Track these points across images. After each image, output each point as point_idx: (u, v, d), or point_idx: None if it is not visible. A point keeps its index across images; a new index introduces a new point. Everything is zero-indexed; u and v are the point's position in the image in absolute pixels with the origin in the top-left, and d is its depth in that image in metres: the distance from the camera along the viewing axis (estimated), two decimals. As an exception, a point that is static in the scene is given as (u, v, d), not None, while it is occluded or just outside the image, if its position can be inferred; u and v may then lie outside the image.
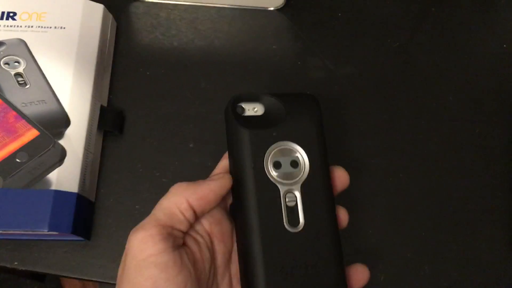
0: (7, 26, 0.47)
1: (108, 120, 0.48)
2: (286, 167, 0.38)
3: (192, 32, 0.54)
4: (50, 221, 0.42)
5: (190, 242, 0.35)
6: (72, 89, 0.46)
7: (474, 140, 0.50)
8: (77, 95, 0.46)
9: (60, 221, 0.43)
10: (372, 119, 0.51)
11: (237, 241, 0.37)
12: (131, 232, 0.34)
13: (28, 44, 0.47)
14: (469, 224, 0.47)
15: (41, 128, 0.44)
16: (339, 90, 0.51)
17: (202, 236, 0.36)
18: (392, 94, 0.52)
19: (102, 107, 0.48)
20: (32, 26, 0.47)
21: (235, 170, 0.37)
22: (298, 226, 0.37)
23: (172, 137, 0.50)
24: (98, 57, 0.48)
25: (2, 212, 0.42)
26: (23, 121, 0.44)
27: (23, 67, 0.46)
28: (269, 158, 0.38)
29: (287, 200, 0.38)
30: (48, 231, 0.42)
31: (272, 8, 0.54)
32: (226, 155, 0.39)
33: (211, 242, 0.36)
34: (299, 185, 0.38)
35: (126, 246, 0.34)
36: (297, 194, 0.38)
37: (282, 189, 0.38)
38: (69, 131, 0.45)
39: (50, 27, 0.47)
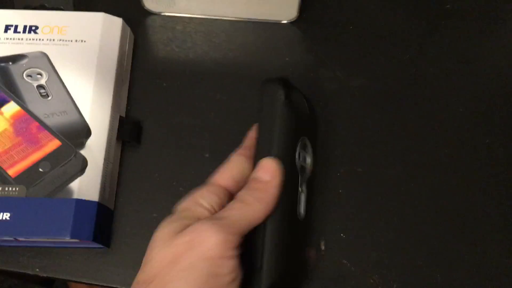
0: (30, 39, 0.49)
1: (126, 131, 0.49)
2: (302, 160, 0.40)
3: (207, 44, 0.55)
4: (72, 229, 0.43)
5: None
6: (92, 100, 0.47)
7: (485, 151, 0.50)
8: (97, 107, 0.47)
9: (82, 229, 0.44)
10: (383, 130, 0.51)
11: None
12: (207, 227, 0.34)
13: (50, 57, 0.48)
14: (480, 233, 0.48)
15: (63, 138, 0.45)
16: (350, 101, 0.52)
17: None
18: (402, 106, 0.52)
19: (120, 118, 0.49)
20: (53, 40, 0.49)
21: (269, 146, 0.38)
22: (301, 216, 0.41)
23: (188, 147, 0.51)
24: (117, 70, 0.49)
25: (25, 220, 0.43)
26: (46, 131, 0.45)
27: (45, 79, 0.47)
28: (298, 148, 0.39)
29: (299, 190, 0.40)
30: (70, 239, 0.43)
31: (285, 21, 0.56)
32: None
33: None
34: (306, 180, 0.40)
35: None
36: (304, 188, 0.40)
37: (300, 179, 0.39)
38: (89, 142, 0.46)
39: (71, 41, 0.49)
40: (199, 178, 0.49)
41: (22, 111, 0.46)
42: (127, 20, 0.53)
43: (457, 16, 0.56)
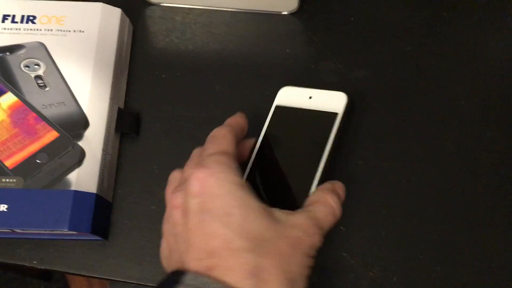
0: (27, 29, 0.48)
1: (125, 122, 0.49)
2: None
3: (207, 35, 0.54)
4: (70, 221, 0.42)
5: None
6: (91, 91, 0.46)
7: (485, 144, 0.50)
8: (95, 98, 0.46)
9: (80, 221, 0.43)
10: (384, 122, 0.51)
11: None
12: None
13: (48, 47, 0.48)
14: (481, 227, 0.47)
15: (61, 129, 0.45)
16: (351, 93, 0.51)
17: None
18: (403, 98, 0.52)
19: (119, 110, 0.49)
20: (51, 30, 0.48)
21: None
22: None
23: (187, 138, 0.51)
24: (116, 60, 0.49)
25: (23, 212, 0.43)
26: (43, 122, 0.45)
27: (43, 70, 0.47)
28: None
29: None
30: (68, 231, 0.43)
31: (286, 13, 0.55)
32: None
33: None
34: None
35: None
36: None
37: None
38: (87, 133, 0.45)
39: (69, 31, 0.48)
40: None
41: (20, 102, 0.45)
42: (126, 11, 0.52)
43: (460, 8, 0.55)
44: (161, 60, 0.53)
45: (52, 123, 0.45)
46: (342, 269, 0.46)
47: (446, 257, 0.46)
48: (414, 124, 0.51)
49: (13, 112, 0.45)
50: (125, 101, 0.51)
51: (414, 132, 0.50)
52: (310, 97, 0.48)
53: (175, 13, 0.55)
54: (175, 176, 0.40)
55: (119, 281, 0.47)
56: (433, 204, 0.48)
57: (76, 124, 0.45)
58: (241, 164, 0.42)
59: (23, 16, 0.48)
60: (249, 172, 0.45)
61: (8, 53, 0.47)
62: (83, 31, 0.48)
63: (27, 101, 0.45)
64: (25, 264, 0.46)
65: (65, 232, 0.43)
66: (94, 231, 0.44)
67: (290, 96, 0.48)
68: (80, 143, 0.45)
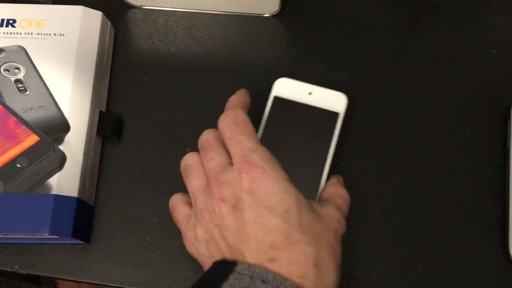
0: (7, 33, 0.48)
1: (107, 126, 0.49)
2: None
3: (189, 38, 0.54)
4: (50, 225, 0.42)
5: None
6: (71, 95, 0.46)
7: (465, 143, 0.50)
8: (76, 101, 0.46)
9: (61, 225, 0.43)
10: (365, 123, 0.51)
11: None
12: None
13: (28, 51, 0.47)
14: (461, 226, 0.48)
15: (41, 133, 0.45)
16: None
17: None
18: (384, 99, 0.52)
19: (100, 113, 0.49)
20: (31, 33, 0.48)
21: None
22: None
23: (170, 141, 0.50)
24: (97, 63, 0.48)
25: (3, 216, 0.42)
26: (23, 127, 0.45)
27: (23, 74, 0.46)
28: None
29: None
30: (48, 235, 0.42)
31: (267, 15, 0.55)
32: None
33: None
34: None
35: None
36: None
37: None
38: (68, 137, 0.45)
39: (50, 34, 0.48)
40: (181, 172, 0.49)
41: (0, 106, 0.45)
42: (108, 14, 0.52)
43: (439, 9, 0.55)
44: (143, 63, 0.53)
45: (33, 127, 0.45)
46: (324, 270, 0.46)
47: (427, 256, 0.47)
48: (395, 124, 0.51)
49: None
50: (107, 104, 0.51)
51: (395, 132, 0.51)
52: (310, 93, 0.48)
53: (157, 16, 0.55)
54: (195, 160, 0.41)
55: (102, 284, 0.47)
56: (414, 203, 0.48)
57: (56, 128, 0.45)
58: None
59: (2, 20, 0.48)
60: None
61: None
62: (63, 35, 0.48)
63: (7, 105, 0.45)
64: (6, 268, 0.46)
65: (46, 237, 0.43)
66: (75, 235, 0.44)
67: (288, 89, 0.49)
68: (61, 147, 0.45)
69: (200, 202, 0.38)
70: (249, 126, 0.40)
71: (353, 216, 0.47)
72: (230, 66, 0.53)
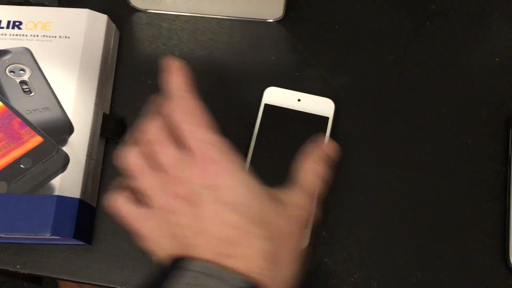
0: (13, 35, 0.48)
1: (110, 128, 0.49)
2: None
3: (192, 42, 0.55)
4: (52, 226, 0.42)
5: None
6: (75, 97, 0.46)
7: (466, 151, 0.50)
8: (80, 103, 0.46)
9: (63, 226, 0.43)
10: (367, 129, 0.51)
11: None
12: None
13: (33, 53, 0.48)
14: (461, 233, 0.48)
15: (45, 135, 0.45)
16: (334, 100, 0.52)
17: None
18: (386, 105, 0.52)
19: (104, 115, 0.49)
20: (37, 35, 0.48)
21: None
22: None
23: (172, 144, 0.51)
24: (101, 66, 0.49)
25: (6, 216, 0.43)
26: (28, 128, 0.45)
27: (28, 75, 0.47)
28: None
29: None
30: (50, 236, 0.42)
31: (271, 20, 0.55)
32: None
33: None
34: None
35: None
36: None
37: None
38: (72, 138, 0.45)
39: (55, 37, 0.48)
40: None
41: (5, 107, 0.45)
42: (113, 17, 0.52)
43: (442, 17, 0.56)
44: (147, 66, 0.54)
45: (37, 128, 0.45)
46: (323, 275, 0.46)
47: (426, 263, 0.47)
48: (396, 131, 0.51)
49: None
50: (111, 107, 0.51)
51: (396, 139, 0.51)
52: (299, 100, 0.49)
53: (161, 20, 0.55)
54: (141, 156, 0.38)
55: (103, 285, 0.47)
56: (414, 210, 0.48)
57: (60, 129, 0.45)
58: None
59: (9, 22, 0.49)
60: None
61: None
62: (68, 37, 0.48)
63: (11, 106, 0.45)
64: (8, 268, 0.46)
65: (48, 237, 0.43)
66: (77, 236, 0.44)
67: (278, 96, 0.50)
68: (65, 148, 0.45)
69: (156, 200, 0.37)
70: (202, 115, 0.38)
71: (353, 222, 0.48)
72: (233, 71, 0.54)
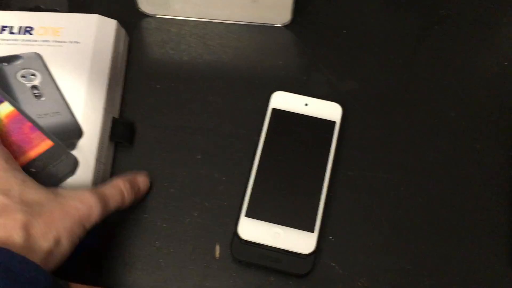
0: (25, 40, 0.49)
1: (119, 132, 0.49)
2: None
3: (201, 47, 0.55)
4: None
5: None
6: (85, 101, 0.47)
7: (475, 156, 0.50)
8: (90, 107, 0.47)
9: None
10: (374, 134, 0.51)
11: None
12: None
13: (44, 58, 0.48)
14: (469, 238, 0.47)
15: (55, 138, 0.45)
16: (341, 104, 0.52)
17: None
18: (393, 110, 0.52)
19: (113, 119, 0.49)
20: (48, 41, 0.49)
21: None
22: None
23: (181, 148, 0.51)
24: (111, 71, 0.49)
25: None
26: (38, 132, 0.45)
27: (39, 80, 0.47)
28: None
29: None
30: None
31: (279, 25, 0.55)
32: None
33: None
34: None
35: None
36: None
37: None
38: (81, 142, 0.46)
39: (65, 42, 0.49)
40: (191, 179, 0.50)
41: (16, 111, 0.46)
42: (122, 22, 0.53)
43: (450, 22, 0.55)
44: (156, 71, 0.54)
45: (47, 132, 0.45)
46: (330, 279, 0.46)
47: (434, 268, 0.46)
48: (404, 135, 0.51)
49: (10, 121, 0.46)
50: (120, 111, 0.52)
51: (403, 143, 0.51)
52: (306, 104, 0.49)
53: (170, 25, 0.56)
54: None
55: (112, 288, 0.47)
56: (421, 215, 0.48)
57: (70, 133, 0.46)
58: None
59: (20, 27, 0.49)
60: (255, 176, 0.47)
61: (5, 64, 0.47)
62: (78, 42, 0.49)
63: (23, 111, 0.46)
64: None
65: None
66: (87, 239, 0.44)
67: (285, 101, 0.50)
68: (74, 152, 0.45)
69: None
70: None
71: (360, 226, 0.48)
72: (241, 75, 0.54)
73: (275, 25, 0.55)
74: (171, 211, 0.49)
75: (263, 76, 0.54)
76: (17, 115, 0.46)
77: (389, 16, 0.56)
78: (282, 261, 0.45)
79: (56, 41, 0.49)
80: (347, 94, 0.53)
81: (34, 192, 0.39)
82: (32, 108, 0.46)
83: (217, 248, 0.47)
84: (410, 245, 0.47)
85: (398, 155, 0.50)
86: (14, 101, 0.46)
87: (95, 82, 0.48)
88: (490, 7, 0.56)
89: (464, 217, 0.48)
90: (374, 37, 0.55)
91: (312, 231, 0.46)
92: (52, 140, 0.45)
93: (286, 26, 0.55)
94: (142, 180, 0.48)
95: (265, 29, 0.55)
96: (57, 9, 0.52)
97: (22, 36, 0.49)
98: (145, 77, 0.54)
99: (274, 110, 0.50)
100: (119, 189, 0.44)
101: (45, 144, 0.45)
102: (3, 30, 0.49)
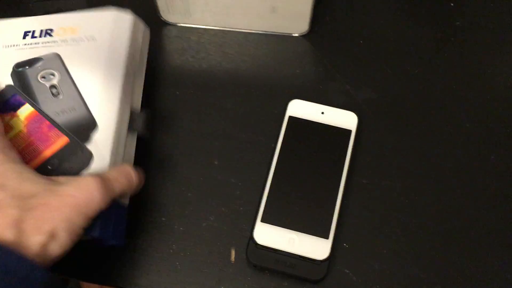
0: (45, 42, 0.49)
1: (138, 124, 0.48)
2: None
3: (220, 55, 0.55)
4: (100, 225, 0.40)
5: None
6: (100, 93, 0.45)
7: (489, 166, 0.49)
8: (104, 99, 0.45)
9: (105, 226, 0.41)
10: (389, 142, 0.51)
11: None
12: None
13: (63, 57, 0.48)
14: (483, 248, 0.46)
15: (71, 134, 0.45)
16: (358, 113, 0.51)
17: None
18: (409, 119, 0.52)
19: (131, 111, 0.48)
20: (66, 40, 0.48)
21: None
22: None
23: (198, 153, 0.51)
24: (127, 62, 0.48)
25: None
26: (55, 129, 0.45)
27: (58, 79, 0.47)
28: None
29: None
30: (98, 236, 0.40)
31: (296, 34, 0.55)
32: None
33: None
34: None
35: None
36: None
37: None
38: (97, 135, 0.44)
39: (83, 40, 0.48)
40: (208, 184, 0.50)
41: (35, 111, 0.46)
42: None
43: (466, 33, 0.55)
44: (176, 78, 0.54)
45: (63, 129, 0.45)
46: (344, 285, 0.45)
47: (447, 276, 0.45)
48: (418, 145, 0.50)
49: (29, 122, 0.46)
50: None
51: (418, 152, 0.50)
52: (323, 112, 0.49)
53: (191, 33, 0.56)
54: None
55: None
56: (435, 224, 0.47)
57: (84, 126, 0.45)
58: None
59: (41, 31, 0.49)
60: (272, 182, 0.46)
61: (27, 67, 0.48)
62: (95, 39, 0.48)
63: (42, 111, 0.46)
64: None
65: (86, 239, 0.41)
66: (114, 238, 0.42)
67: (302, 109, 0.50)
68: (90, 146, 0.44)
69: None
70: None
71: (374, 233, 0.47)
72: (259, 83, 0.54)
73: (293, 34, 0.55)
74: (188, 215, 0.48)
75: (281, 84, 0.54)
76: (36, 115, 0.46)
77: (405, 27, 0.55)
78: (297, 266, 0.45)
79: (74, 40, 0.49)
80: (363, 103, 0.52)
81: (30, 184, 0.38)
82: (50, 106, 0.45)
83: (233, 252, 0.47)
84: (424, 253, 0.46)
85: (413, 164, 0.50)
86: (34, 102, 0.46)
87: (110, 75, 0.46)
88: (505, 19, 0.56)
89: (478, 226, 0.47)
90: (390, 47, 0.55)
91: (327, 238, 0.45)
92: (68, 136, 0.45)
93: (303, 36, 0.55)
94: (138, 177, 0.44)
95: (283, 39, 0.55)
96: (73, 2, 0.52)
97: (42, 39, 0.49)
98: (164, 83, 0.54)
99: (290, 118, 0.50)
100: (126, 172, 0.42)
101: (62, 141, 0.45)
102: (26, 35, 0.49)
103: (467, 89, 0.53)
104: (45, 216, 0.36)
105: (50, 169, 0.44)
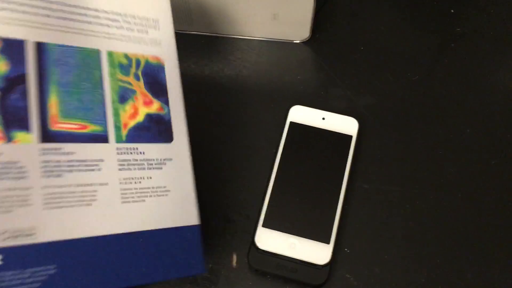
0: None
1: None
2: None
3: (222, 61, 0.55)
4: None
5: None
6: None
7: (490, 172, 0.49)
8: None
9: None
10: (390, 148, 0.50)
11: None
12: None
13: None
14: (484, 254, 0.46)
15: None
16: (359, 119, 0.51)
17: None
18: (409, 125, 0.51)
19: None
20: None
21: None
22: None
23: (200, 158, 0.50)
24: None
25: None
26: None
27: None
28: None
29: None
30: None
31: (298, 41, 0.55)
32: None
33: None
34: None
35: None
36: None
37: None
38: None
39: None
40: (209, 189, 0.49)
41: None
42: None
43: (466, 39, 0.55)
44: (178, 84, 0.54)
45: None
46: (345, 290, 0.45)
47: (448, 282, 0.45)
48: (419, 150, 0.50)
49: None
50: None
51: (419, 158, 0.50)
52: (323, 118, 0.49)
53: (193, 40, 0.56)
54: None
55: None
56: (436, 229, 0.47)
57: None
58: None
59: None
60: (273, 187, 0.46)
61: None
62: None
63: None
64: None
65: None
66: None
67: (303, 115, 0.49)
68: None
69: None
70: None
71: (375, 239, 0.47)
72: (261, 89, 0.54)
73: (294, 41, 0.55)
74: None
75: (282, 90, 0.53)
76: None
77: (406, 34, 0.55)
78: (298, 271, 0.45)
79: None
80: (364, 109, 0.52)
81: None
82: None
83: (234, 257, 0.47)
84: (424, 258, 0.46)
85: (414, 169, 0.50)
86: None
87: None
88: (506, 25, 0.56)
89: (479, 232, 0.47)
90: (391, 53, 0.55)
91: (328, 243, 0.45)
92: None
93: (305, 43, 0.55)
94: None
95: (285, 45, 0.55)
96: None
97: None
98: (167, 90, 0.54)
99: (292, 123, 0.50)
100: None
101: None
102: None
103: (467, 95, 0.52)
104: None
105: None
